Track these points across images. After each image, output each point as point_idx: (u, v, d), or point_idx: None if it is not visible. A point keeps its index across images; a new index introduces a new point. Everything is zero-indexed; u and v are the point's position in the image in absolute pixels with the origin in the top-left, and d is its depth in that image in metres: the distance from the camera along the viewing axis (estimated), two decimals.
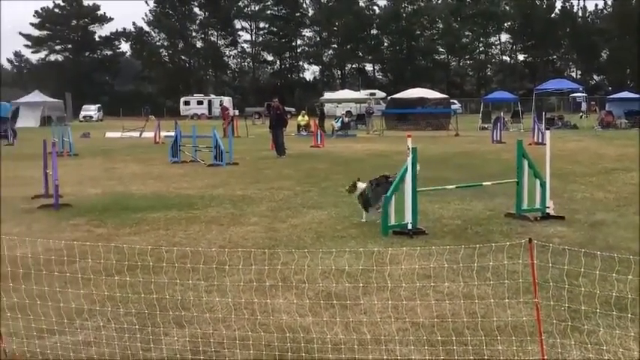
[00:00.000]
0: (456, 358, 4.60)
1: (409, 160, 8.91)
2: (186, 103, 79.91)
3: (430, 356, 4.67)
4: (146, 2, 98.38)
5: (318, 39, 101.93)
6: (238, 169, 18.42)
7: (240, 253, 6.14)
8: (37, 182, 14.13)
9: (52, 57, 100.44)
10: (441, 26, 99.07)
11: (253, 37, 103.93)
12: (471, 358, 4.59)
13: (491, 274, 5.96)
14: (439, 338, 4.83)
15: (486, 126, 38.92)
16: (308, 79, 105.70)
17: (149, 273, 6.35)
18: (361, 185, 10.29)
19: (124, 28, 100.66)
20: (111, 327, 5.40)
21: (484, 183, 11.13)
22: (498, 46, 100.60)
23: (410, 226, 8.91)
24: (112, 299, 5.86)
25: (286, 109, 28.75)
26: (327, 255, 7.13)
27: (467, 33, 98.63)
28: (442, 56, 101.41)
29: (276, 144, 22.87)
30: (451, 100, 53.91)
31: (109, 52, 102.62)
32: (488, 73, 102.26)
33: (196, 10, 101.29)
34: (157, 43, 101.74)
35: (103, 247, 6.11)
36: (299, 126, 38.75)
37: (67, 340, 5.21)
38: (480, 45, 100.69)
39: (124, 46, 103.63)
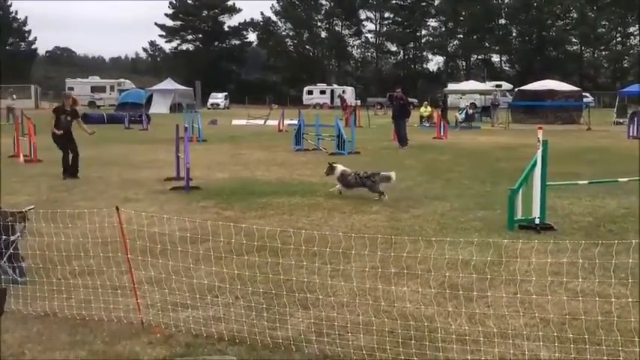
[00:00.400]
0: (588, 357, 4.42)
1: (539, 153, 8.61)
2: (309, 92, 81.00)
3: (560, 354, 4.52)
4: None
5: (443, 29, 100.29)
6: (360, 159, 18.50)
7: (366, 239, 6.17)
8: (168, 165, 14.82)
9: (184, 46, 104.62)
10: (574, 15, 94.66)
11: (377, 27, 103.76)
12: (605, 358, 4.40)
13: (629, 273, 5.66)
14: (570, 336, 4.66)
15: (622, 121, 36.94)
16: (432, 70, 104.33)
17: (276, 255, 6.53)
18: (339, 167, 12.02)
19: (252, 19, 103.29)
20: (239, 304, 5.59)
21: (620, 179, 10.59)
22: (638, 36, 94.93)
23: (537, 221, 8.63)
24: (240, 278, 6.06)
25: (409, 100, 28.51)
26: (453, 245, 7.04)
27: (603, 22, 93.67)
28: (575, 47, 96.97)
29: (398, 135, 22.76)
30: (583, 93, 51.54)
31: (237, 42, 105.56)
32: (625, 65, 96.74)
33: (322, 0, 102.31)
34: (283, 33, 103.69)
35: (232, 227, 6.30)
36: (421, 117, 38.40)
37: (199, 315, 5.44)
38: (617, 35, 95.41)
39: (252, 36, 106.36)
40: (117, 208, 5.26)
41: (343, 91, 71.81)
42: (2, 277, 6.18)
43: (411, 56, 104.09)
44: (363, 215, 9.84)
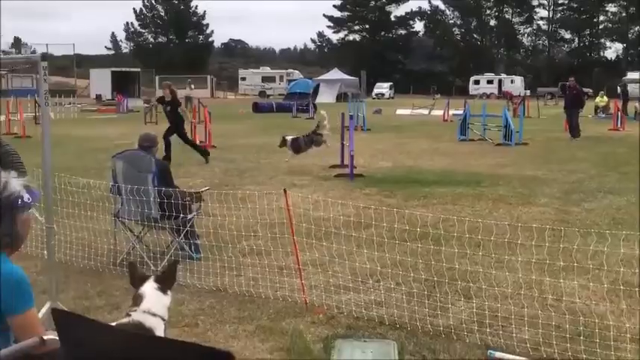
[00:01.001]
0: None
1: None
2: (476, 82, 79.09)
3: None
4: None
5: (623, 14, 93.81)
6: (528, 150, 17.82)
7: (533, 230, 5.93)
8: (334, 153, 15.10)
9: (351, 37, 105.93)
10: None
11: (550, 14, 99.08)
12: None
13: None
14: None
15: None
16: (609, 58, 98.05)
17: (438, 243, 6.45)
18: (289, 137, 15.27)
19: (420, 8, 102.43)
20: (400, 290, 5.60)
21: None
22: None
23: None
24: (402, 264, 6.06)
25: (583, 89, 26.98)
26: (629, 241, 6.60)
27: None
28: None
29: (571, 125, 21.65)
30: None
31: (403, 32, 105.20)
32: None
33: None
34: (450, 22, 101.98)
35: (395, 214, 6.32)
36: (597, 107, 36.23)
37: (360, 298, 5.52)
38: None
39: (418, 26, 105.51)
40: (285, 191, 5.45)
41: (512, 81, 69.50)
42: (180, 252, 6.63)
43: (586, 44, 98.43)
44: (531, 207, 9.49)
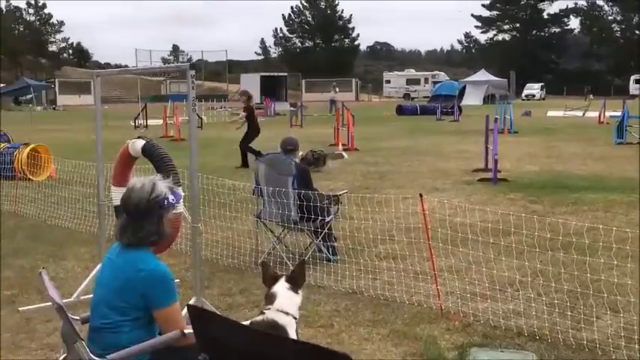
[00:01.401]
0: None
1: None
2: (637, 81, 74.35)
3: None
4: None
5: None
6: None
7: None
8: (478, 156, 14.78)
9: (500, 37, 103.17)
10: None
11: None
12: None
13: None
14: None
15: None
16: None
17: (584, 253, 6.13)
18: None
19: (575, 4, 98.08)
20: (541, 300, 5.39)
21: None
22: None
23: None
24: (543, 274, 5.84)
25: None
26: None
27: None
28: None
29: None
30: None
31: (557, 30, 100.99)
32: None
33: None
34: (610, 18, 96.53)
35: (537, 221, 6.08)
36: None
37: (498, 307, 5.37)
38: None
39: (573, 23, 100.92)
40: (420, 196, 5.41)
41: None
42: (317, 254, 6.77)
43: None
44: None
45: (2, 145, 13.44)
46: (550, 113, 38.91)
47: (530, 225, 7.14)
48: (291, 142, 7.16)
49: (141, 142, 5.25)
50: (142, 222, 3.04)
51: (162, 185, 3.10)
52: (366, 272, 6.23)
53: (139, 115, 29.85)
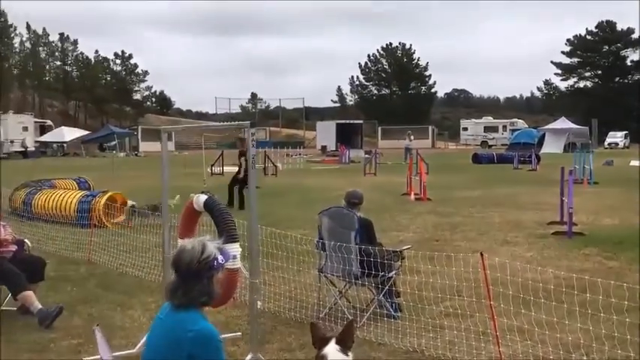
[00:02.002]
0: None
1: None
2: None
3: None
4: None
5: None
6: None
7: None
8: (554, 208, 14.38)
9: (581, 84, 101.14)
10: None
11: None
12: None
13: None
14: None
15: None
16: None
17: None
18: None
19: None
20: None
21: None
22: None
23: None
24: (609, 338, 5.56)
25: None
26: None
27: None
28: None
29: None
30: None
31: None
32: None
33: None
34: None
35: (612, 282, 5.83)
36: None
37: None
38: None
39: None
40: (481, 255, 5.29)
41: None
42: (379, 309, 6.69)
43: None
44: None
45: (81, 193, 13.98)
46: (633, 163, 37.59)
47: (604, 285, 6.89)
48: (356, 196, 7.16)
49: (203, 197, 5.37)
50: (193, 283, 3.09)
51: (212, 246, 3.16)
52: (428, 330, 6.11)
53: (215, 162, 30.54)
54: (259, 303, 6.71)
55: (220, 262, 3.17)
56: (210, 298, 3.20)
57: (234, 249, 4.97)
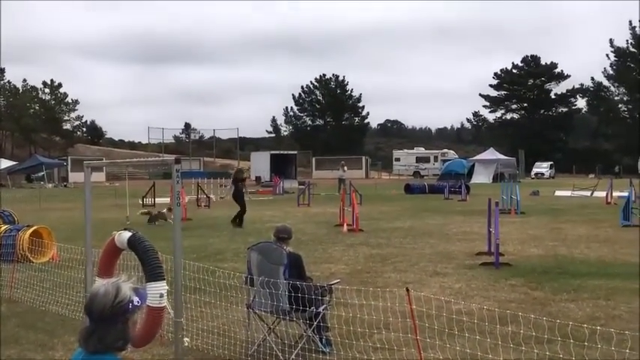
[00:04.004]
0: None
1: None
2: None
3: None
4: (607, 56, 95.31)
5: None
6: None
7: None
8: (482, 238, 14.69)
9: (508, 116, 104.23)
10: None
11: None
12: None
13: None
14: None
15: None
16: None
17: (582, 345, 5.98)
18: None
19: (582, 84, 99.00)
20: None
21: None
22: None
23: None
24: None
25: None
26: None
27: None
28: None
29: None
30: None
31: (564, 109, 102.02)
32: None
33: None
34: (616, 98, 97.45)
35: (535, 313, 5.96)
36: None
37: None
38: None
39: (580, 102, 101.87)
40: (407, 290, 5.33)
41: None
42: (309, 345, 6.62)
43: None
44: None
45: (4, 227, 13.48)
46: (558, 193, 38.86)
47: (530, 313, 7.03)
48: (285, 231, 7.14)
49: (127, 235, 5.24)
50: (107, 328, 2.98)
51: (126, 287, 3.05)
52: None
53: (147, 193, 30.04)
54: (186, 340, 6.58)
55: (136, 304, 3.07)
56: (125, 342, 3.09)
57: (160, 287, 4.86)
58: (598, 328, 5.55)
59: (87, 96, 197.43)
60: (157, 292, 4.74)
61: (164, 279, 4.96)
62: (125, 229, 5.42)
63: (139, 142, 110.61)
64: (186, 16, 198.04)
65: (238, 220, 19.72)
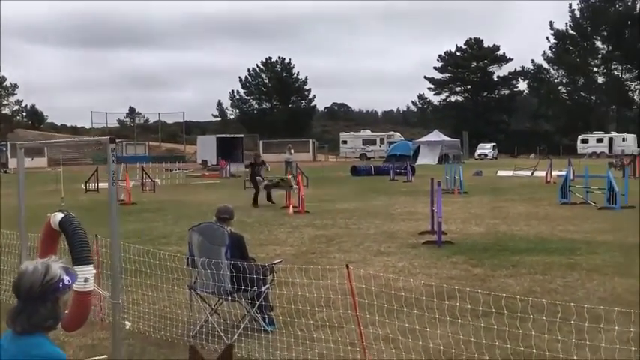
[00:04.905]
0: None
1: None
2: (584, 141, 76.71)
3: None
4: (547, 39, 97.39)
5: None
6: (633, 214, 16.86)
7: (620, 308, 5.55)
8: (426, 218, 14.91)
9: (452, 98, 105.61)
10: None
11: None
12: None
13: None
14: None
15: None
16: None
17: (519, 319, 6.14)
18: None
19: (523, 67, 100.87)
20: None
21: None
22: None
23: None
24: (477, 343, 5.79)
25: None
26: None
27: None
28: None
29: None
30: None
31: (507, 92, 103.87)
32: None
33: (598, 44, 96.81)
34: (556, 80, 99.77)
35: (474, 288, 6.09)
36: None
37: None
38: None
39: (522, 85, 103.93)
40: (347, 267, 5.38)
41: (623, 139, 67.50)
42: (252, 325, 6.64)
43: None
44: (627, 279, 8.92)
45: None
46: (500, 173, 39.64)
47: (468, 291, 7.18)
48: (227, 211, 7.10)
49: (60, 216, 5.14)
50: (36, 307, 2.93)
51: (57, 266, 3.00)
52: (298, 344, 6.12)
53: (90, 178, 29.45)
54: (128, 323, 6.52)
55: (67, 283, 3.01)
56: (55, 321, 3.04)
57: (87, 271, 4.77)
58: (530, 299, 5.70)
59: (27, 80, 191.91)
60: (83, 275, 4.65)
61: (91, 263, 4.87)
62: (59, 211, 5.31)
63: (82, 127, 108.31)
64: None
65: (253, 201, 20.54)
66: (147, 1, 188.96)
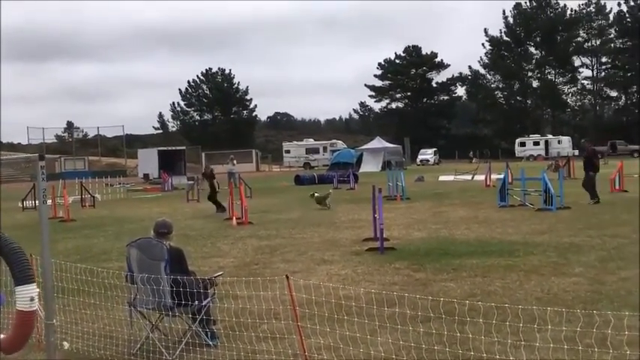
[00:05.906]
0: None
1: None
2: (522, 144, 78.74)
3: None
4: (483, 45, 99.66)
5: None
6: (569, 214, 17.39)
7: (555, 308, 5.70)
8: (369, 225, 15.00)
9: (393, 105, 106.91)
10: None
11: (594, 73, 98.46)
12: None
13: None
14: None
15: None
16: None
17: (460, 322, 6.24)
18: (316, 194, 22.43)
19: (460, 73, 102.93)
20: None
21: None
22: None
23: None
24: (418, 349, 5.86)
25: (596, 151, 25.65)
26: None
27: None
28: None
29: (586, 189, 20.93)
30: None
31: (446, 97, 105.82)
32: None
33: (532, 49, 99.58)
34: (492, 86, 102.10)
35: (416, 294, 6.17)
36: None
37: None
38: None
39: (460, 90, 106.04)
40: (287, 277, 5.39)
41: (559, 141, 69.56)
42: (194, 340, 6.57)
43: (634, 101, 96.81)
44: (563, 278, 9.17)
45: None
46: (442, 178, 40.28)
47: (413, 294, 7.27)
48: (165, 225, 7.02)
49: None
50: None
51: None
52: (242, 357, 6.08)
53: (26, 195, 28.66)
54: (66, 344, 6.37)
55: None
56: None
57: (31, 290, 4.66)
58: (467, 302, 5.80)
59: None
60: (28, 295, 4.54)
61: (34, 281, 4.76)
62: None
63: (19, 144, 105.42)
64: (64, 12, 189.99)
65: (218, 207, 21.72)
66: (81, 15, 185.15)
